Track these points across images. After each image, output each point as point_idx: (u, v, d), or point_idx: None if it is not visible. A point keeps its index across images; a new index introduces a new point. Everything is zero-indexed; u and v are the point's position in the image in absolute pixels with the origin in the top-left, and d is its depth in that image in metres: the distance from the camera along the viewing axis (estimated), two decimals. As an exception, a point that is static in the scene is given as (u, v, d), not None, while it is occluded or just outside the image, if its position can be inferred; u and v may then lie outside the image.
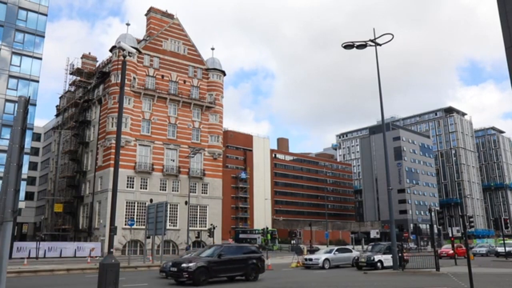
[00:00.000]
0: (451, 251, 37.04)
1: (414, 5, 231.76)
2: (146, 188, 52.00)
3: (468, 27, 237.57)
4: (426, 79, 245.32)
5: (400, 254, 25.14)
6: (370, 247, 29.65)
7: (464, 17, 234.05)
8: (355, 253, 30.68)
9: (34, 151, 74.63)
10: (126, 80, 44.63)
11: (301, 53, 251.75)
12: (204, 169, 57.02)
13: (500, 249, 42.83)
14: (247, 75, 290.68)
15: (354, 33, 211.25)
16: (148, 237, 33.68)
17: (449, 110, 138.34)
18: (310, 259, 29.00)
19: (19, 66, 48.12)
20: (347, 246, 36.20)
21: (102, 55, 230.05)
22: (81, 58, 68.79)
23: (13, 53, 48.00)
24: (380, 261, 25.90)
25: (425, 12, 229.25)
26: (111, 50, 55.30)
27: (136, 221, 47.76)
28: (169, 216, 50.09)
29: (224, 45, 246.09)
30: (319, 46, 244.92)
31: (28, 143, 51.92)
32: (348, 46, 22.91)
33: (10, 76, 47.35)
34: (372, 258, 25.96)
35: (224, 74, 62.05)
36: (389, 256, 25.64)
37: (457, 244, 44.18)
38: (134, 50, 49.34)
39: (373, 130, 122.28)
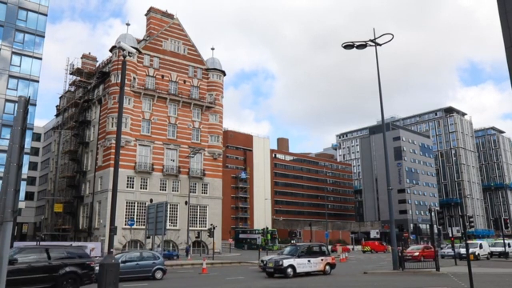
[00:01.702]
0: (417, 253, 34.29)
1: (414, 7, 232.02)
2: (146, 188, 51.98)
3: (467, 29, 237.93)
4: (426, 79, 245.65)
5: (400, 254, 25.12)
6: (286, 249, 24.86)
7: (464, 20, 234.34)
8: (328, 258, 27.87)
9: (34, 151, 74.63)
10: (126, 80, 44.62)
11: (302, 54, 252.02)
12: (204, 169, 57.00)
13: (463, 251, 36.51)
14: (248, 76, 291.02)
15: (354, 35, 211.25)
16: (148, 237, 33.75)
17: (449, 110, 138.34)
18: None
19: (19, 66, 48.10)
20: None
21: (103, 56, 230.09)
22: (81, 58, 68.77)
23: (13, 53, 47.99)
24: (291, 266, 21.29)
25: (425, 14, 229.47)
26: (111, 50, 55.30)
27: (136, 221, 47.78)
28: (169, 216, 50.05)
29: (225, 46, 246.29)
30: (319, 47, 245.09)
31: (28, 143, 51.91)
32: (348, 46, 22.90)
33: (10, 76, 47.34)
34: (280, 262, 21.26)
35: (224, 74, 62.04)
36: (305, 260, 21.95)
37: (424, 245, 39.84)
38: (134, 50, 49.29)
39: (373, 130, 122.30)
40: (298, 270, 21.44)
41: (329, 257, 23.62)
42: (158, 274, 21.37)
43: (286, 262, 21.28)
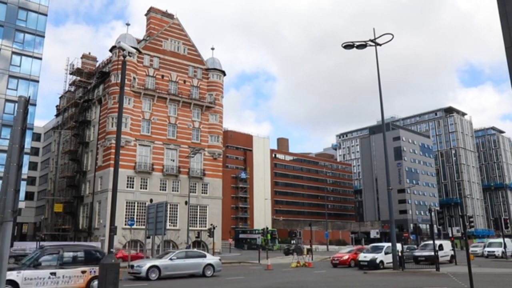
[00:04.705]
0: (346, 257, 30.15)
1: (414, 10, 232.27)
2: (146, 188, 51.98)
3: (466, 31, 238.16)
4: (426, 81, 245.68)
5: (400, 254, 25.11)
6: (31, 254, 16.56)
7: (463, 22, 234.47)
8: (209, 259, 24.09)
9: (34, 151, 74.61)
10: (126, 80, 44.61)
11: (302, 56, 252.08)
12: (204, 169, 56.99)
13: (418, 253, 31.08)
14: (249, 77, 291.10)
15: (354, 36, 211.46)
16: (148, 237, 33.70)
17: (449, 110, 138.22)
18: (132, 266, 21.69)
19: (19, 66, 48.13)
20: (199, 250, 28.93)
21: (104, 57, 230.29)
22: (81, 58, 68.74)
23: (13, 53, 48.01)
24: (11, 282, 13.43)
25: (424, 16, 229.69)
26: (111, 50, 55.30)
27: (136, 221, 47.75)
28: (169, 216, 50.07)
29: (226, 47, 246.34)
30: (320, 49, 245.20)
31: (28, 143, 51.92)
32: (348, 46, 22.91)
33: (10, 76, 47.36)
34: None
35: (224, 74, 62.02)
36: (44, 273, 14.32)
37: (357, 247, 34.90)
38: (134, 50, 49.34)
39: (373, 130, 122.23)
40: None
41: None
42: None
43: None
